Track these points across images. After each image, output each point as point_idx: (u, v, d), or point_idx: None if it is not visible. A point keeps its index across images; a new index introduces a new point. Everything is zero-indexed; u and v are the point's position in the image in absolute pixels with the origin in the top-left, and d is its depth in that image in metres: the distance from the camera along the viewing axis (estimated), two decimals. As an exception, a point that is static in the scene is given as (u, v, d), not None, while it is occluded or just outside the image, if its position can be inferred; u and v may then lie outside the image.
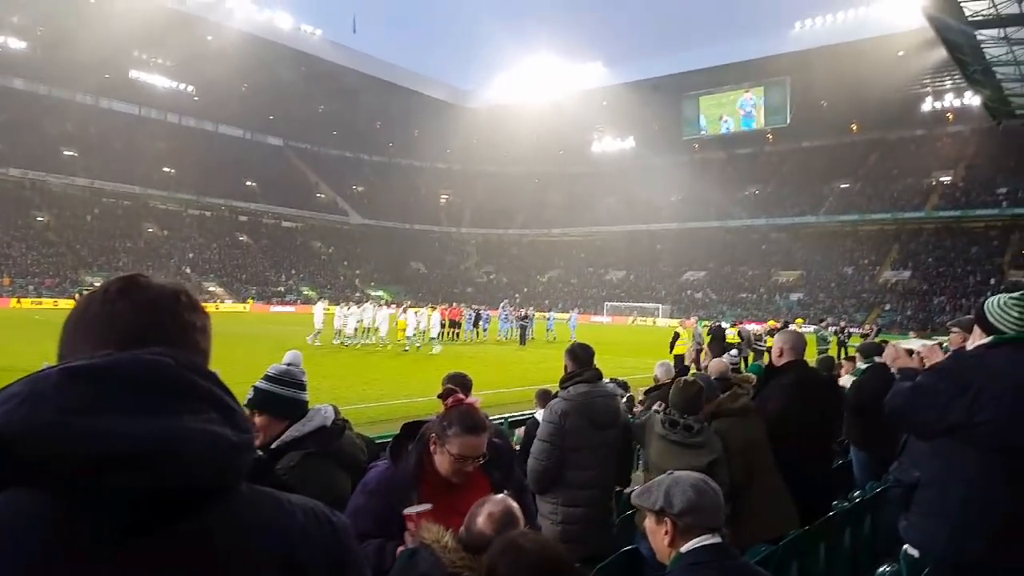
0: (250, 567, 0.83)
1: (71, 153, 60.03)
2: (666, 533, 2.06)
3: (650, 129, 74.79)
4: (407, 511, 2.04)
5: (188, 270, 55.59)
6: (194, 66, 62.77)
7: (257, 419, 2.43)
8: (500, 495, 2.02)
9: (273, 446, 2.40)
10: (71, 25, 52.87)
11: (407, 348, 22.08)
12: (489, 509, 1.93)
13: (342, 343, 22.73)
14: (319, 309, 23.54)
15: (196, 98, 70.08)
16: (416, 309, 24.98)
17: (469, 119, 77.27)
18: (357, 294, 54.81)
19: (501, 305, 33.56)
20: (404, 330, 22.55)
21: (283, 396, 2.44)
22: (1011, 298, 2.59)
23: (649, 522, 2.14)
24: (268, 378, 2.48)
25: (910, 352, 3.86)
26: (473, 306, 33.97)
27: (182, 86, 68.62)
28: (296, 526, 0.89)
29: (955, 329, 4.40)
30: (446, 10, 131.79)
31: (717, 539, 2.04)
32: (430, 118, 76.42)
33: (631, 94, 67.14)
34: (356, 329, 23.16)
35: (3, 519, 0.74)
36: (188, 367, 0.84)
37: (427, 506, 2.05)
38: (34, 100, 61.37)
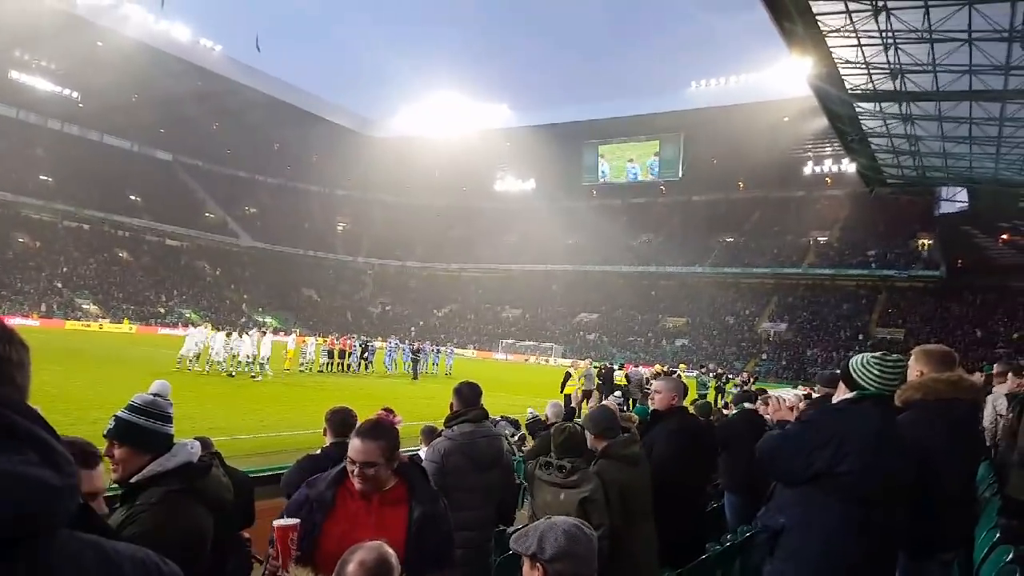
0: None
1: (-67, 153, 54.79)
2: (537, 579, 2.04)
3: (551, 172, 76.58)
4: (275, 522, 2.05)
5: (60, 285, 51.54)
6: (82, 72, 59.52)
7: (116, 451, 2.26)
8: (376, 542, 1.91)
9: (133, 481, 2.24)
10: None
11: (232, 373, 21.36)
12: (361, 557, 1.84)
13: (228, 371, 21.64)
14: (194, 333, 22.34)
15: (81, 105, 65.89)
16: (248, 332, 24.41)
17: (372, 148, 76.64)
18: (243, 319, 52.47)
19: (389, 338, 33.17)
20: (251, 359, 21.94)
21: (146, 428, 2.28)
22: (873, 357, 2.79)
23: (525, 567, 2.12)
24: (132, 408, 2.30)
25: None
26: (362, 336, 33.24)
27: (67, 91, 64.71)
28: None
29: (817, 385, 4.75)
30: (354, 39, 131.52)
31: (587, 587, 2.04)
32: (332, 144, 75.25)
33: (534, 137, 68.85)
34: (248, 357, 22.04)
35: None
36: (3, 403, 0.76)
37: (294, 521, 2.09)
38: None
